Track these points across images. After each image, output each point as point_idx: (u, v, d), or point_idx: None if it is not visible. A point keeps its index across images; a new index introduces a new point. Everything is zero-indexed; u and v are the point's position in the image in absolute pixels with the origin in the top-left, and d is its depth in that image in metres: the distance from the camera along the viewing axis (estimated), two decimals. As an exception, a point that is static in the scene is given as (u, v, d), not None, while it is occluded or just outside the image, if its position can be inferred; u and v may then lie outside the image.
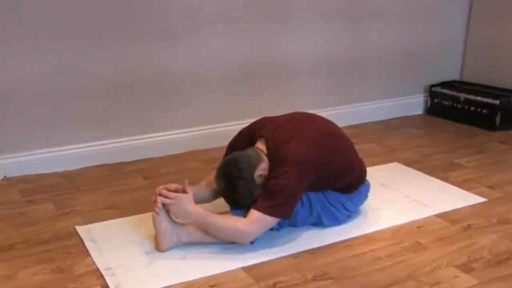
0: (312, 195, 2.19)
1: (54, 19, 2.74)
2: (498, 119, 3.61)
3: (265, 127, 2.21)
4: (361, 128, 3.68)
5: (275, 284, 1.88)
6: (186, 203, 2.04)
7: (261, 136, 2.19)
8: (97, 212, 2.44)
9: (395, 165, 3.02)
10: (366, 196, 2.38)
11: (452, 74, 4.15)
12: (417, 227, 2.29)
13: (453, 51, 4.11)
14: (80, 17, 2.80)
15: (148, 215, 2.14)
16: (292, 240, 2.17)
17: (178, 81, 3.13)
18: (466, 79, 4.11)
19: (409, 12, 3.80)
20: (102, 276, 1.92)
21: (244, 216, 2.03)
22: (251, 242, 2.08)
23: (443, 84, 4.02)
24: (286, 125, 2.20)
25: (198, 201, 2.13)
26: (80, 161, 2.96)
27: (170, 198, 2.04)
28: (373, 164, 2.90)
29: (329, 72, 3.63)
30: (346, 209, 2.28)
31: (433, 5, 3.87)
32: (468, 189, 2.67)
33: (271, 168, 2.09)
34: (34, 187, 2.72)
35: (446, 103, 3.91)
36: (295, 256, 2.07)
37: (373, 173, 2.55)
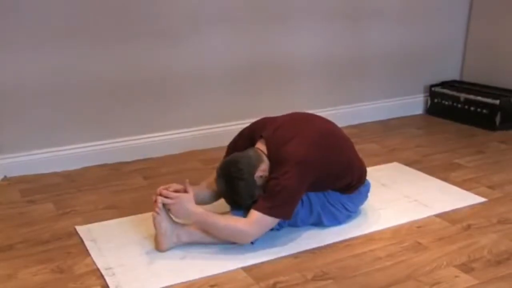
0: (312, 195, 2.19)
1: (54, 19, 2.74)
2: (498, 119, 3.61)
3: (265, 128, 2.21)
4: (361, 128, 3.68)
5: (275, 284, 1.88)
6: (187, 202, 2.04)
7: (261, 137, 2.19)
8: (97, 212, 2.44)
9: (395, 165, 3.02)
10: (366, 196, 2.38)
11: (452, 74, 4.15)
12: (417, 227, 2.29)
13: (453, 51, 4.11)
14: (80, 17, 2.80)
15: (148, 215, 2.15)
16: (292, 240, 2.17)
17: (178, 81, 3.13)
18: (466, 79, 4.11)
19: (409, 12, 3.80)
20: (102, 276, 1.93)
21: (245, 216, 2.03)
22: (251, 242, 2.08)
23: (443, 84, 4.02)
24: (286, 126, 2.20)
25: (199, 202, 2.13)
26: (80, 161, 2.96)
27: (171, 198, 2.04)
28: (373, 164, 2.90)
29: (329, 72, 3.63)
30: (346, 209, 2.28)
31: (433, 5, 3.87)
32: (468, 189, 2.67)
33: (271, 169, 2.09)
34: (34, 187, 2.72)
35: (446, 103, 3.91)
36: (295, 256, 2.07)
37: (373, 173, 2.55)
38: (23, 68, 2.74)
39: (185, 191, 2.08)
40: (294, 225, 2.22)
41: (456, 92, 3.86)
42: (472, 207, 2.48)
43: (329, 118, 2.35)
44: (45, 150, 2.89)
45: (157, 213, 2.03)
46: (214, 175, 2.19)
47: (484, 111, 3.67)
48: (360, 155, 2.37)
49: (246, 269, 1.97)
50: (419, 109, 4.08)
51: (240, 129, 2.37)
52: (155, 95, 3.10)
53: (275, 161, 2.09)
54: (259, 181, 2.08)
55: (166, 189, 2.09)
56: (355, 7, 3.57)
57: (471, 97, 3.75)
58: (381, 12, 3.68)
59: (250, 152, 2.14)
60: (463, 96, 3.80)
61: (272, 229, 2.13)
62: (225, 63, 3.23)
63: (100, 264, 2.00)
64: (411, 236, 2.22)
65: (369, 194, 2.39)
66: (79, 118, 2.94)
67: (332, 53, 3.59)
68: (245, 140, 2.28)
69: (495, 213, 2.42)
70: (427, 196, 2.58)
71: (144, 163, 3.05)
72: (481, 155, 3.18)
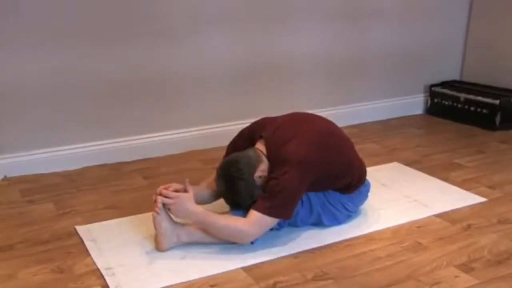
0: (312, 195, 2.19)
1: (54, 19, 2.74)
2: (498, 119, 3.61)
3: (265, 128, 2.21)
4: (361, 128, 3.68)
5: (275, 284, 1.88)
6: (187, 202, 2.04)
7: (261, 137, 2.19)
8: (97, 212, 2.44)
9: (395, 165, 3.02)
10: (366, 196, 2.38)
11: (452, 74, 4.15)
12: (417, 227, 2.29)
13: (453, 51, 4.11)
14: (80, 17, 2.80)
15: (148, 215, 2.14)
16: (292, 240, 2.16)
17: (178, 81, 3.13)
18: (466, 79, 4.11)
19: (409, 12, 3.80)
20: (102, 276, 1.92)
21: (244, 216, 2.03)
22: (251, 242, 2.08)
23: (443, 84, 4.02)
24: (286, 126, 2.20)
25: (199, 201, 2.13)
26: (80, 161, 2.96)
27: (171, 198, 2.04)
28: (373, 164, 2.90)
29: (329, 72, 3.63)
30: (346, 209, 2.28)
31: (433, 5, 3.87)
32: (468, 189, 2.67)
33: (271, 169, 2.09)
34: (34, 187, 2.72)
35: (446, 103, 3.91)
36: (295, 256, 2.07)
37: (373, 173, 2.55)
38: (23, 68, 2.74)
39: (185, 190, 2.09)
40: (294, 225, 2.22)
41: (456, 92, 3.86)
42: (472, 207, 2.48)
43: (329, 118, 2.35)
44: (45, 150, 2.89)
45: (157, 213, 2.03)
46: (214, 175, 2.19)
47: (484, 111, 3.67)
48: (360, 155, 2.37)
49: (246, 269, 1.97)
50: (419, 109, 4.08)
51: (240, 129, 2.37)
52: (155, 95, 3.10)
53: (275, 161, 2.08)
54: (258, 181, 2.08)
55: (166, 188, 2.09)
56: (355, 7, 3.57)
57: (471, 97, 3.75)
58: (381, 12, 3.68)
59: (250, 152, 2.14)
60: (463, 96, 3.80)
61: (272, 229, 2.13)
62: (225, 63, 3.23)
63: (100, 264, 2.00)
64: (411, 236, 2.22)
65: (369, 194, 2.39)
66: (79, 118, 2.94)
67: (332, 53, 3.59)
68: (244, 140, 2.28)
69: (495, 213, 2.42)
70: (427, 196, 2.58)
71: (144, 163, 3.05)
72: (481, 155, 3.18)
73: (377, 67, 3.80)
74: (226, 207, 2.21)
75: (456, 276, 1.93)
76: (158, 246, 2.08)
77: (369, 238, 2.21)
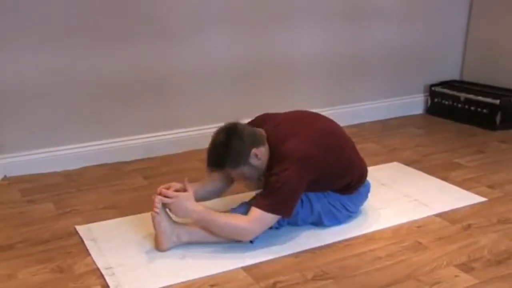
0: (312, 195, 2.19)
1: (54, 19, 2.75)
2: (498, 118, 3.61)
3: (266, 123, 2.22)
4: (361, 127, 3.68)
5: (275, 283, 1.88)
6: (186, 201, 2.04)
7: None
8: (97, 212, 2.44)
9: (395, 164, 3.02)
10: (366, 197, 2.38)
11: (452, 73, 4.15)
12: (417, 227, 2.29)
13: (453, 51, 4.11)
14: (80, 17, 2.80)
15: (148, 215, 2.14)
16: (292, 239, 2.16)
17: (178, 81, 3.13)
18: (466, 78, 4.12)
19: (409, 12, 3.80)
20: (102, 276, 1.92)
21: (245, 214, 2.03)
22: (251, 242, 2.08)
23: (443, 84, 4.02)
24: (287, 123, 2.20)
25: (199, 199, 2.13)
26: (80, 161, 2.96)
27: (170, 197, 2.04)
28: (373, 164, 2.90)
29: (329, 72, 3.63)
30: (347, 209, 2.27)
31: (433, 5, 3.87)
32: (468, 188, 2.67)
33: (271, 165, 2.09)
34: (34, 186, 2.72)
35: (446, 102, 3.91)
36: (295, 255, 2.07)
37: (373, 173, 2.55)
38: (23, 68, 2.74)
39: (185, 190, 2.08)
40: (295, 224, 2.22)
41: (456, 91, 3.86)
42: (472, 206, 2.48)
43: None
44: (45, 150, 2.89)
45: (156, 212, 2.03)
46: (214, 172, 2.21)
47: (484, 110, 3.67)
48: (361, 155, 2.36)
49: (246, 268, 1.97)
50: (419, 109, 4.08)
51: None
52: (155, 95, 3.10)
53: (275, 157, 2.09)
54: (252, 159, 2.08)
55: (167, 188, 2.09)
56: (355, 7, 3.57)
57: (471, 96, 3.75)
58: (381, 12, 3.68)
59: (257, 130, 2.15)
60: (463, 95, 3.80)
61: (271, 228, 2.13)
62: (225, 63, 3.23)
63: (100, 263, 2.00)
64: (411, 235, 2.22)
65: (369, 194, 2.39)
66: (79, 118, 2.94)
67: (332, 53, 3.59)
68: None
69: (495, 212, 2.41)
70: (427, 195, 2.58)
71: (144, 163, 3.05)
72: (481, 154, 3.18)
73: (377, 67, 3.80)
74: (227, 205, 2.21)
75: (456, 276, 1.92)
76: (158, 246, 2.08)
77: (369, 238, 2.21)
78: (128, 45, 2.94)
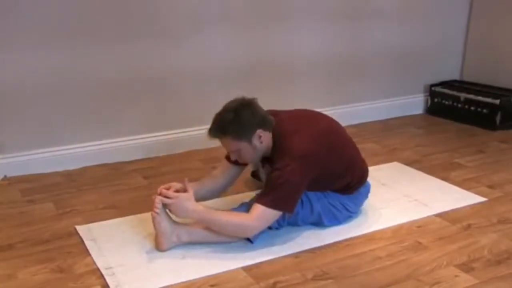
0: (312, 195, 2.19)
1: (54, 19, 2.75)
2: (498, 118, 3.61)
3: None
4: (361, 127, 3.68)
5: (275, 283, 1.88)
6: (186, 201, 2.04)
7: None
8: (97, 212, 2.44)
9: (395, 164, 3.02)
10: (366, 197, 2.38)
11: (452, 73, 4.15)
12: (417, 227, 2.29)
13: (453, 51, 4.11)
14: (80, 17, 2.80)
15: (148, 215, 2.14)
16: (292, 239, 2.16)
17: (178, 81, 3.13)
18: (466, 78, 4.11)
19: (409, 12, 3.80)
20: (102, 276, 1.92)
21: (246, 212, 2.04)
22: (251, 241, 2.08)
23: (443, 84, 4.02)
24: (290, 120, 2.19)
25: (199, 198, 2.13)
26: (80, 161, 2.96)
27: (170, 198, 2.04)
28: (373, 164, 2.90)
29: (329, 72, 3.63)
30: (347, 209, 2.28)
31: (433, 5, 3.87)
32: (468, 188, 2.67)
33: (272, 158, 2.09)
34: (34, 186, 2.72)
35: (446, 102, 3.91)
36: (295, 255, 2.07)
37: (373, 173, 2.55)
38: (23, 68, 2.74)
39: (185, 190, 2.08)
40: (295, 224, 2.22)
41: (456, 91, 3.86)
42: (472, 206, 2.48)
43: (329, 118, 2.35)
44: (45, 150, 2.89)
45: (156, 213, 2.03)
46: (214, 170, 2.24)
47: (484, 110, 3.67)
48: (362, 155, 2.36)
49: (246, 268, 1.97)
50: (419, 109, 4.08)
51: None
52: (155, 95, 3.10)
53: (277, 151, 2.09)
54: (254, 139, 2.08)
55: (167, 189, 2.09)
56: (355, 7, 3.57)
57: (471, 96, 3.75)
58: (381, 12, 3.68)
59: (269, 116, 2.15)
60: (463, 95, 3.80)
61: (271, 229, 2.14)
62: (225, 63, 3.23)
63: (100, 263, 2.00)
64: (411, 235, 2.22)
65: (369, 195, 2.39)
66: (79, 118, 2.94)
67: (332, 53, 3.59)
68: None
69: (495, 212, 2.41)
70: (427, 195, 2.58)
71: (144, 163, 3.05)
72: (481, 154, 3.18)
73: (377, 67, 3.80)
74: (227, 205, 2.21)
75: (456, 276, 1.93)
76: (158, 246, 2.08)
77: (369, 237, 2.21)
78: (128, 45, 2.94)
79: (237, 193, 2.52)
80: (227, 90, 3.27)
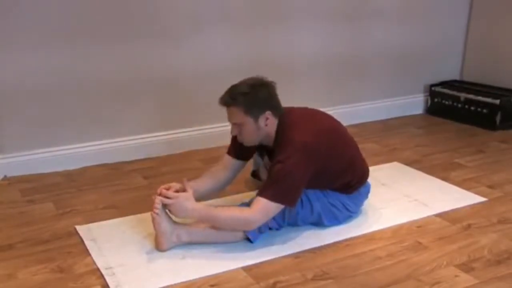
0: (312, 195, 2.19)
1: (54, 19, 2.75)
2: (498, 118, 3.61)
3: None
4: (361, 127, 3.68)
5: (275, 283, 1.88)
6: (186, 201, 2.04)
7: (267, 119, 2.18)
8: (97, 212, 2.44)
9: (395, 164, 3.02)
10: (366, 197, 2.38)
11: (452, 73, 4.15)
12: (417, 227, 2.29)
13: (453, 51, 4.11)
14: (80, 17, 2.80)
15: (148, 215, 2.14)
16: (292, 239, 2.16)
17: (178, 81, 3.13)
18: (466, 78, 4.12)
19: (409, 12, 3.80)
20: (102, 276, 1.93)
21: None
22: (251, 241, 2.08)
23: (443, 84, 4.02)
24: (294, 115, 2.19)
25: (199, 197, 2.14)
26: (80, 161, 2.96)
27: (170, 198, 2.04)
28: (373, 164, 2.89)
29: (329, 72, 3.63)
30: (347, 209, 2.28)
31: (433, 5, 3.87)
32: (468, 188, 2.67)
33: (274, 149, 2.09)
34: (34, 186, 2.72)
35: (446, 102, 3.91)
36: (295, 255, 2.07)
37: (373, 173, 2.55)
38: (23, 68, 2.74)
39: (185, 190, 2.08)
40: (295, 224, 2.22)
41: (456, 91, 3.86)
42: (472, 206, 2.48)
43: (330, 118, 2.35)
44: (45, 150, 2.89)
45: (156, 213, 2.03)
46: (214, 166, 2.26)
47: (484, 110, 3.67)
48: (363, 156, 2.37)
49: (246, 268, 1.97)
50: (419, 109, 4.08)
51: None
52: (155, 95, 3.10)
53: (279, 142, 2.09)
54: (261, 119, 2.08)
55: (167, 189, 2.09)
56: (355, 7, 3.57)
57: (471, 96, 3.75)
58: (381, 12, 3.68)
59: (281, 104, 2.16)
60: (463, 95, 3.80)
61: (271, 229, 2.14)
62: (225, 63, 3.23)
63: (100, 263, 2.00)
64: (411, 235, 2.22)
65: (369, 195, 2.39)
66: (79, 118, 2.94)
67: (332, 53, 3.59)
68: None
69: (495, 212, 2.41)
70: (427, 195, 2.58)
71: (144, 163, 3.05)
72: (481, 154, 3.18)
73: (377, 67, 3.80)
74: (227, 205, 2.20)
75: (456, 276, 1.93)
76: (158, 246, 2.08)
77: (369, 237, 2.21)
78: (128, 45, 2.94)
79: (237, 193, 2.52)
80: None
